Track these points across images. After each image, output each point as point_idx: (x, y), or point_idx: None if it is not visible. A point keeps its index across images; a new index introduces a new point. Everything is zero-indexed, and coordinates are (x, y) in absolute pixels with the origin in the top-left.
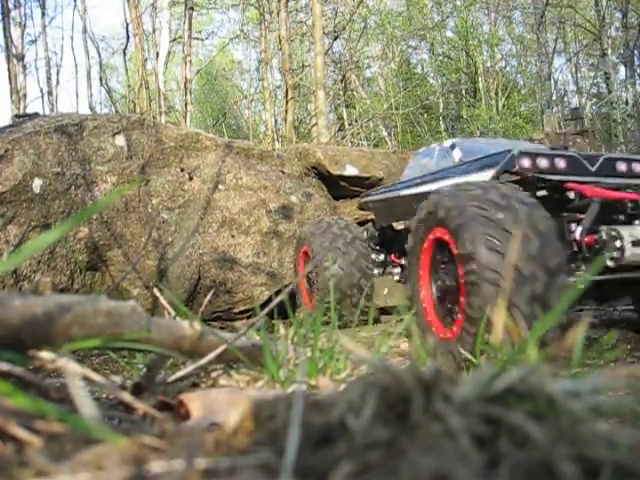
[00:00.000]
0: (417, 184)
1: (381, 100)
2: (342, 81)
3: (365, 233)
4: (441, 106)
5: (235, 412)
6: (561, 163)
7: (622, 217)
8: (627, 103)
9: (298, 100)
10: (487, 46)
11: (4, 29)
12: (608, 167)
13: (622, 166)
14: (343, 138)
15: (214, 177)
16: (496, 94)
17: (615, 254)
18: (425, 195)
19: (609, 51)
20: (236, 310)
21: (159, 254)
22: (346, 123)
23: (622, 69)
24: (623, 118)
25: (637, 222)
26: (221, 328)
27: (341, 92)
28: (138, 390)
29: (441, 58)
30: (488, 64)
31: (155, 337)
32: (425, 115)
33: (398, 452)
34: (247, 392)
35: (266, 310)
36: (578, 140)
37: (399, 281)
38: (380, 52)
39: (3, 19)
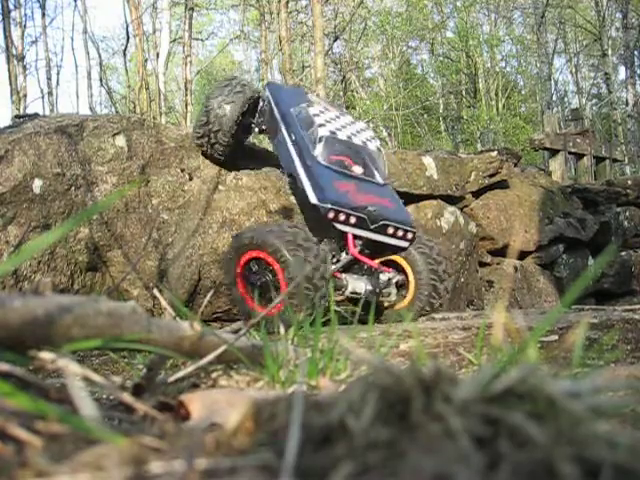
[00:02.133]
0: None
1: (381, 101)
2: (342, 82)
3: None
4: (441, 107)
5: (235, 412)
6: (352, 219)
7: (360, 270)
8: (627, 104)
9: None
10: (487, 47)
11: (4, 30)
12: (382, 228)
13: (390, 230)
14: None
15: (214, 177)
16: (496, 95)
17: (340, 292)
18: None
19: (609, 52)
20: (236, 310)
21: (159, 255)
22: None
23: (622, 70)
24: (623, 118)
25: (365, 275)
26: (220, 329)
27: (341, 93)
28: (138, 391)
29: (441, 59)
30: (488, 65)
31: (155, 338)
32: (425, 116)
33: (398, 453)
34: (247, 392)
35: (266, 310)
36: (578, 141)
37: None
38: (380, 53)
39: (3, 19)
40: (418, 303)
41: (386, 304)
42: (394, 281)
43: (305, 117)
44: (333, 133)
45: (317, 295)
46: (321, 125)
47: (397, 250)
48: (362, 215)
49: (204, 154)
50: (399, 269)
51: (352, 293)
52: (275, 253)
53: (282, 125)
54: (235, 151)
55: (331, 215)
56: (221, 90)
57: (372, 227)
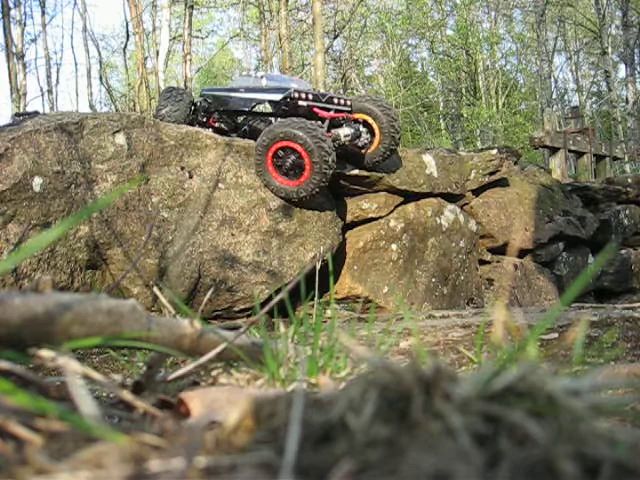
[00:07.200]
0: (243, 92)
1: None
2: (342, 79)
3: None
4: (441, 105)
5: (235, 410)
6: (310, 97)
7: (340, 124)
8: (627, 102)
9: None
10: (487, 44)
11: (4, 28)
12: (329, 100)
13: (335, 100)
14: None
15: (214, 176)
16: (496, 92)
17: (339, 141)
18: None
19: (609, 50)
20: (236, 309)
21: (159, 253)
22: None
23: (622, 67)
24: (623, 116)
25: (343, 127)
26: (222, 324)
27: (341, 90)
28: (138, 388)
29: (441, 57)
30: (488, 62)
31: (155, 335)
32: (425, 113)
33: (398, 451)
34: (247, 390)
35: (266, 308)
36: (578, 139)
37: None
38: (380, 50)
39: (3, 18)
40: (384, 141)
41: (360, 144)
42: (362, 127)
43: (243, 78)
44: (272, 73)
45: (330, 158)
46: (263, 76)
47: (345, 113)
48: (314, 93)
49: None
50: (366, 124)
51: (345, 136)
52: (304, 144)
53: (228, 93)
54: None
55: (296, 95)
56: (166, 101)
57: (324, 100)
